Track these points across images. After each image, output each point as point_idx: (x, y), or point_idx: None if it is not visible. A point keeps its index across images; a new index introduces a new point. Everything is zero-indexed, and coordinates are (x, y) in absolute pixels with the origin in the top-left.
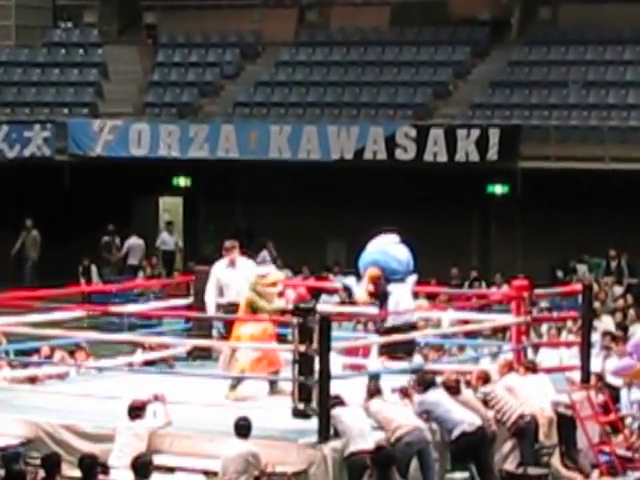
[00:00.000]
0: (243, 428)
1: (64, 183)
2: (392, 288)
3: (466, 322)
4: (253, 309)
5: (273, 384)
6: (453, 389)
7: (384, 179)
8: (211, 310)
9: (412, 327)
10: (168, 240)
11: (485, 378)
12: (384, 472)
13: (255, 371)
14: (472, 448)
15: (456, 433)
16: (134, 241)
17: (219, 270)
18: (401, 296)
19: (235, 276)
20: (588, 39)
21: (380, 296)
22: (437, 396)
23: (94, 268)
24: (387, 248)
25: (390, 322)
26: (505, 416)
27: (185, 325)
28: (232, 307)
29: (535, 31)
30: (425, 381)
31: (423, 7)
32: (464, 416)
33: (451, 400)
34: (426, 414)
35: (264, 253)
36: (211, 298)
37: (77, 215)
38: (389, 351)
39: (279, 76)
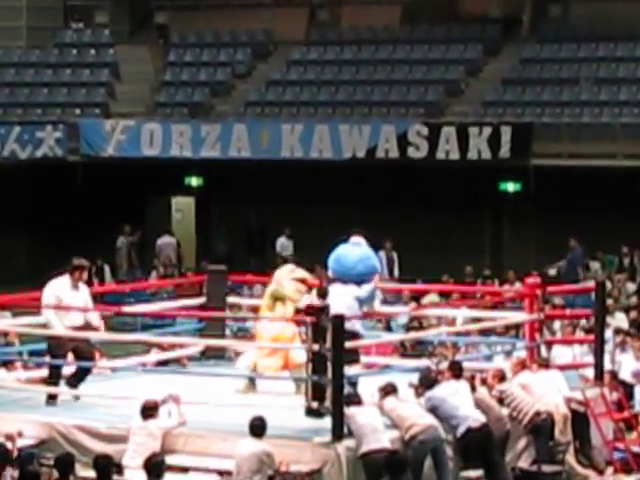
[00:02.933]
0: (258, 428)
1: (76, 183)
2: (332, 288)
3: (479, 320)
4: (276, 299)
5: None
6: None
7: (396, 177)
8: (60, 328)
9: (348, 336)
10: (288, 245)
11: (501, 376)
12: (397, 477)
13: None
14: (479, 445)
15: (462, 430)
16: (166, 239)
17: (61, 290)
18: (335, 298)
19: (78, 299)
20: (599, 36)
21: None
22: (445, 392)
23: (107, 268)
24: (340, 249)
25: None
26: (521, 414)
27: (198, 325)
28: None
29: (546, 28)
30: (428, 380)
31: (434, 5)
32: (470, 412)
33: (460, 397)
34: (434, 410)
35: (381, 253)
36: (54, 317)
37: (89, 215)
38: None
39: (290, 75)
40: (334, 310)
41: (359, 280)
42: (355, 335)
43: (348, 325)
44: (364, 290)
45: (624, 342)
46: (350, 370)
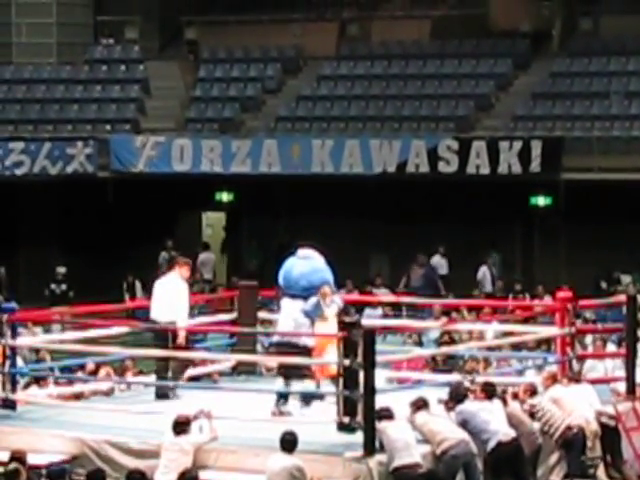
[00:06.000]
0: (289, 443)
1: (107, 199)
2: (283, 303)
3: (511, 334)
4: None
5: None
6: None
7: (427, 192)
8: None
9: (297, 350)
10: (443, 263)
11: (532, 391)
12: None
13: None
14: (509, 459)
15: (492, 444)
16: (206, 255)
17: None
18: (285, 313)
19: None
20: (629, 50)
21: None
22: (476, 407)
23: (138, 284)
24: (286, 263)
25: (275, 338)
26: (552, 428)
27: (230, 340)
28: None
29: (576, 42)
30: (458, 394)
31: (464, 20)
32: (500, 427)
33: (491, 413)
34: (464, 424)
35: (437, 257)
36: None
37: (120, 231)
38: (284, 373)
39: (321, 90)
40: (282, 325)
41: (305, 294)
42: (308, 350)
43: (297, 340)
44: (308, 304)
45: None
46: (302, 386)
